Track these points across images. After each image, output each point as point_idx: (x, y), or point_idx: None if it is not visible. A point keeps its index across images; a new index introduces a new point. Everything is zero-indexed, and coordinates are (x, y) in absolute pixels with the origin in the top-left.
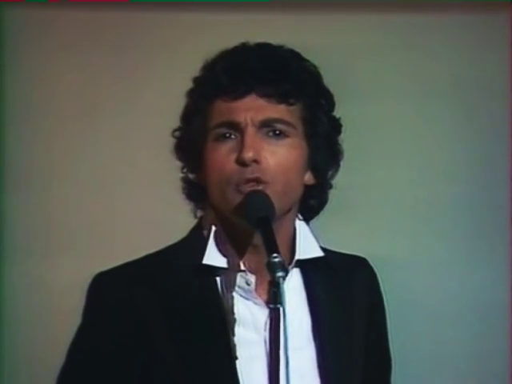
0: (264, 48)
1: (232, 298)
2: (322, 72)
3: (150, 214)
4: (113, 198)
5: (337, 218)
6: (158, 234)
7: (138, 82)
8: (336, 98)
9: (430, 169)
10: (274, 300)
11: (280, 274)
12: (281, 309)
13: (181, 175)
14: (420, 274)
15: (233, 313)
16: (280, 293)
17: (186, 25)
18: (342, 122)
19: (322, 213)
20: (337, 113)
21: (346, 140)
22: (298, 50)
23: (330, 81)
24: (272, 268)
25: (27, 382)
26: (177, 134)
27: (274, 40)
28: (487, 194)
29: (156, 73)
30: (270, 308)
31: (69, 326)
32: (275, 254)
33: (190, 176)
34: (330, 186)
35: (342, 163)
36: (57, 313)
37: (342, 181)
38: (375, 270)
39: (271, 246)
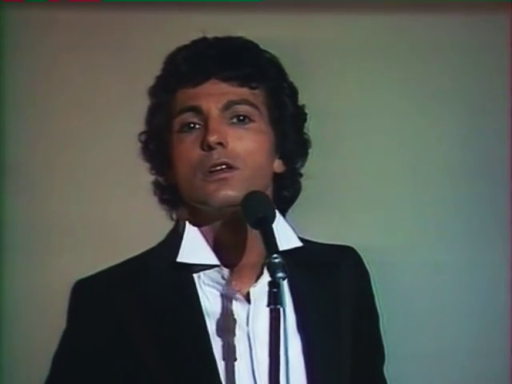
0: (223, 39)
1: (230, 299)
2: (317, 71)
3: (150, 213)
4: (113, 198)
5: (326, 210)
6: (158, 234)
7: (139, 82)
8: (335, 93)
9: (429, 167)
10: (274, 300)
11: (280, 274)
12: (281, 310)
13: (152, 179)
14: (418, 272)
15: (232, 314)
16: (280, 293)
17: (186, 25)
18: (336, 116)
19: (309, 206)
20: (331, 108)
21: (337, 134)
22: (296, 49)
23: (329, 78)
24: (272, 268)
25: (27, 381)
26: (142, 137)
27: (272, 39)
28: (487, 193)
29: (156, 72)
30: (270, 308)
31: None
32: (275, 255)
33: (160, 179)
34: (300, 175)
35: (334, 156)
36: (57, 313)
37: (333, 173)
38: (362, 258)
39: (272, 247)
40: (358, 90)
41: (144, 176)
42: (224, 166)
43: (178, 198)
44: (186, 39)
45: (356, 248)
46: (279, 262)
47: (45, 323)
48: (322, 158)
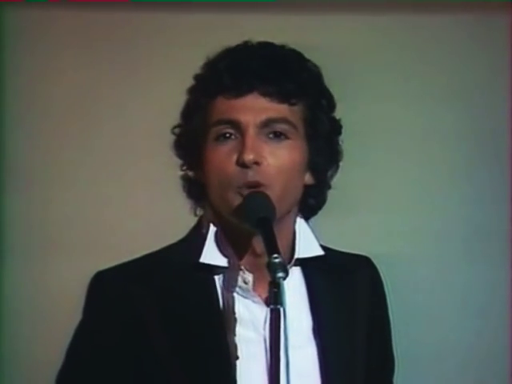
0: (266, 47)
1: (233, 297)
2: (323, 72)
3: (150, 213)
4: (113, 197)
5: (338, 217)
6: (158, 234)
7: (138, 82)
8: (337, 98)
9: (430, 168)
10: (275, 300)
11: (280, 274)
12: (281, 309)
13: (180, 173)
14: (419, 273)
15: (233, 313)
16: (280, 293)
17: (186, 25)
18: (343, 121)
19: (323, 212)
20: (337, 112)
21: (346, 139)
22: (298, 49)
23: (331, 81)
24: (272, 268)
25: (27, 381)
26: (176, 130)
27: (275, 40)
28: (487, 194)
29: (156, 72)
30: (270, 308)
31: (69, 325)
32: (275, 255)
33: (190, 174)
34: (329, 187)
35: (342, 162)
36: (57, 312)
37: (342, 180)
38: (378, 268)
39: (271, 247)
40: (358, 92)
41: (145, 176)
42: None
43: (205, 195)
44: (186, 39)
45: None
46: (279, 262)
47: (45, 323)
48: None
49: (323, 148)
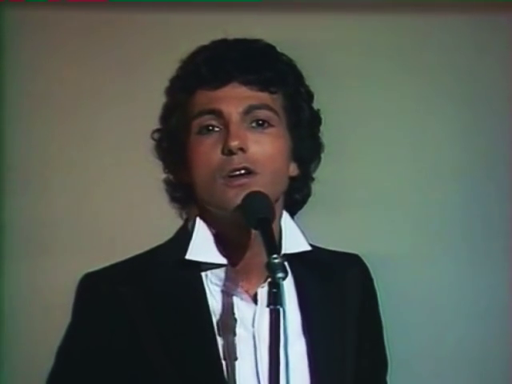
0: (242, 42)
1: (231, 298)
2: (322, 70)
3: (147, 214)
4: (111, 198)
5: (329, 215)
6: (155, 234)
7: (137, 82)
8: (334, 96)
9: (429, 167)
10: (274, 301)
11: (280, 274)
12: (281, 310)
13: (163, 176)
14: (419, 274)
15: (233, 313)
16: (280, 294)
17: (184, 25)
18: (341, 119)
19: (313, 210)
20: (335, 110)
21: (343, 138)
22: (295, 49)
23: (330, 80)
24: (272, 269)
25: (27, 381)
26: (156, 135)
27: (271, 40)
28: (488, 194)
29: (154, 72)
30: (269, 308)
31: (64, 325)
32: (275, 255)
33: (171, 177)
34: (312, 179)
35: (333, 158)
36: (55, 313)
37: (333, 177)
38: (368, 266)
39: (271, 247)
40: (358, 93)
41: (144, 176)
42: (243, 171)
43: (190, 197)
44: (185, 39)
45: (359, 253)
46: (279, 263)
47: (43, 323)
48: (326, 161)
49: (306, 137)
